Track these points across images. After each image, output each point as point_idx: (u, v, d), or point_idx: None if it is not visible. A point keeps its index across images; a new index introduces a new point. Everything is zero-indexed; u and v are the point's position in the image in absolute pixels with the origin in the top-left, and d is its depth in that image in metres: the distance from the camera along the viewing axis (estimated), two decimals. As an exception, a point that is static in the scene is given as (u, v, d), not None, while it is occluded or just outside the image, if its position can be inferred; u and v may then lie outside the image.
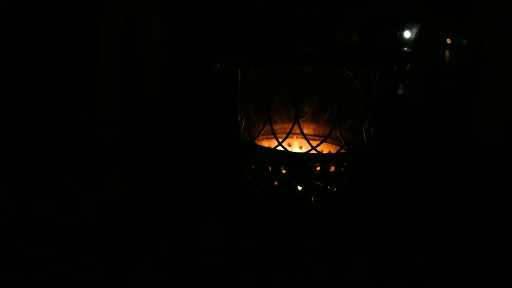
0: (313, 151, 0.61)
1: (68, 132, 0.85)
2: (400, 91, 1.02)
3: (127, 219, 0.62)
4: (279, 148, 0.61)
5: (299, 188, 0.61)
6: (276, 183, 0.62)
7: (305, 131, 0.64)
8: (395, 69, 0.65)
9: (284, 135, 0.65)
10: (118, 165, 0.75)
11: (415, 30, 1.03)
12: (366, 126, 0.64)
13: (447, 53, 0.94)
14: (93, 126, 0.82)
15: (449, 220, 0.64)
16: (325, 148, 0.67)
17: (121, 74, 0.77)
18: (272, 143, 0.69)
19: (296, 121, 0.60)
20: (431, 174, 0.79)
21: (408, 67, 0.64)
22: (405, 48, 1.07)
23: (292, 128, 0.61)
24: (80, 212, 0.62)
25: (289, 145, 0.69)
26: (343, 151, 0.63)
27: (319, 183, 0.61)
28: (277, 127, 0.68)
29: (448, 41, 0.92)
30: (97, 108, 0.80)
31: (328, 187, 0.62)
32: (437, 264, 0.54)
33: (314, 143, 0.62)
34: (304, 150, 0.70)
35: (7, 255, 0.52)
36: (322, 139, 0.69)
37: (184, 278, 0.50)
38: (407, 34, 1.08)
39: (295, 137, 0.68)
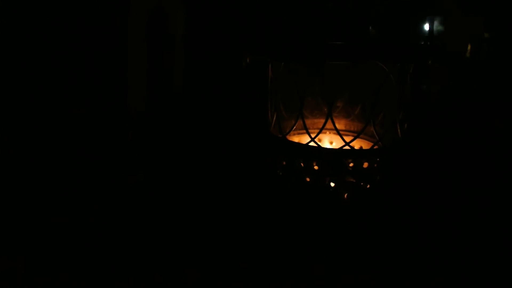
0: (346, 147, 0.60)
1: (92, 127, 0.85)
2: (425, 87, 0.99)
3: (152, 212, 0.62)
4: (312, 144, 0.60)
5: (332, 184, 0.60)
6: (308, 179, 0.61)
7: (336, 126, 0.63)
8: (429, 62, 0.63)
9: (315, 130, 0.64)
10: (143, 160, 0.75)
11: (437, 24, 1.00)
12: (400, 121, 0.62)
13: (477, 47, 0.90)
14: (119, 121, 0.81)
15: (483, 217, 0.63)
16: (356, 144, 0.66)
17: (148, 69, 0.76)
18: (303, 138, 0.68)
19: (329, 116, 0.59)
20: (463, 170, 0.77)
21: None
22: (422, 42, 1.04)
23: (325, 124, 0.60)
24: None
25: (319, 140, 0.68)
26: (376, 147, 0.62)
27: (352, 180, 0.60)
28: (307, 122, 0.66)
29: (483, 35, 0.89)
30: (123, 104, 0.80)
31: (361, 183, 0.61)
32: (479, 261, 0.53)
33: (346, 139, 0.61)
34: (335, 145, 0.69)
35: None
36: (353, 134, 0.68)
37: (215, 272, 0.50)
38: (427, 27, 1.04)
39: (327, 132, 0.67)
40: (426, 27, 0.97)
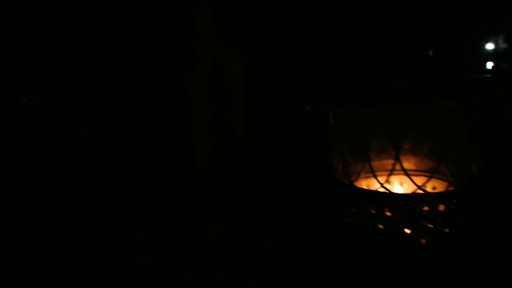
0: (419, 190, 0.57)
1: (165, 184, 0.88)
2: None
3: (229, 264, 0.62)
4: (381, 189, 0.58)
5: (407, 231, 0.58)
6: (381, 226, 0.59)
7: (405, 165, 0.60)
8: (501, 93, 0.60)
9: (383, 173, 0.63)
10: (215, 214, 0.75)
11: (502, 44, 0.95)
12: (475, 158, 0.59)
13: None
14: (188, 177, 0.81)
15: None
16: (429, 185, 0.63)
17: (211, 123, 0.77)
18: (371, 181, 0.66)
19: (397, 160, 0.57)
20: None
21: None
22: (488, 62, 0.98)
23: (393, 168, 0.58)
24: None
25: (389, 182, 0.66)
26: (451, 187, 0.58)
27: (428, 225, 0.57)
28: (374, 164, 0.65)
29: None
30: (191, 158, 0.79)
31: (440, 228, 0.57)
32: None
33: (416, 179, 0.58)
34: (406, 186, 0.66)
35: None
36: (424, 173, 0.65)
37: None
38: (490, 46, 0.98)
39: (395, 173, 0.65)
40: (489, 46, 0.92)
